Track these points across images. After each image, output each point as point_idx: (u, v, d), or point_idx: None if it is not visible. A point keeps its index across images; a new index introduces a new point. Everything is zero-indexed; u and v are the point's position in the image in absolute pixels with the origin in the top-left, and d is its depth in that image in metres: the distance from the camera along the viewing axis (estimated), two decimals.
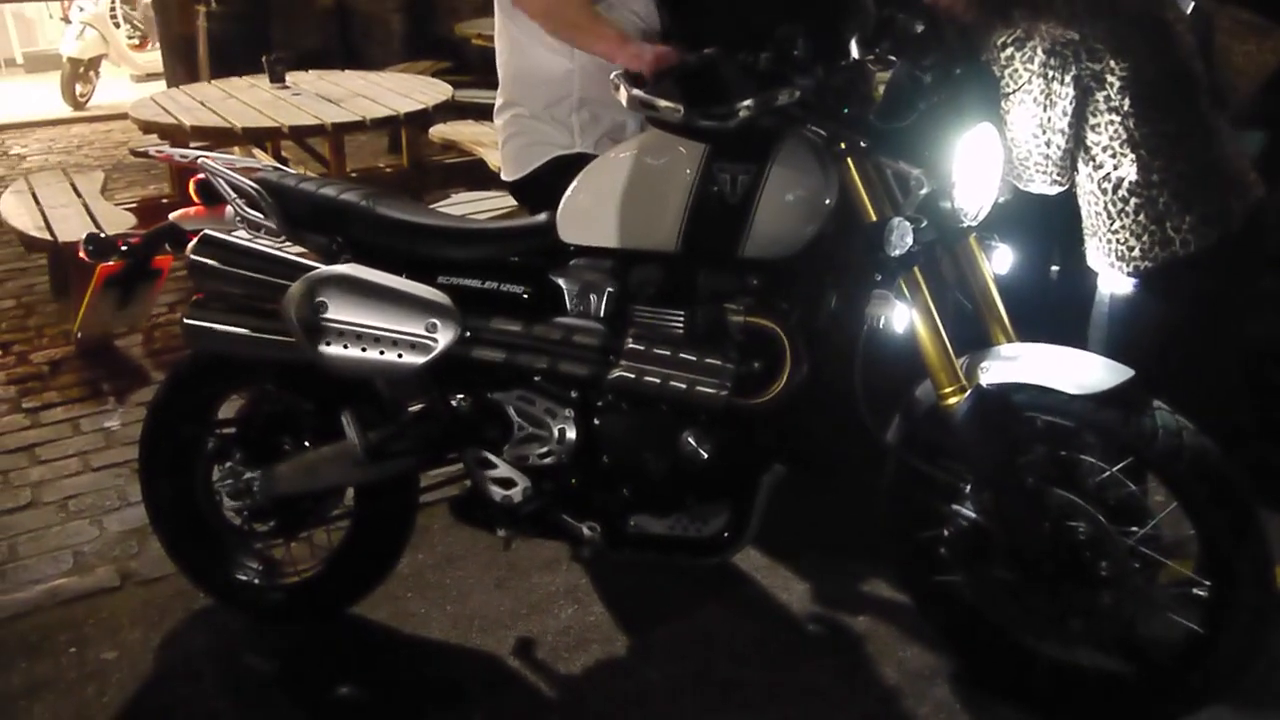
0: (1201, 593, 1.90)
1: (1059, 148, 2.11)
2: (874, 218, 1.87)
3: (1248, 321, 2.35)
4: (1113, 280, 2.19)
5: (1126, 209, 2.09)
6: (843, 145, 1.88)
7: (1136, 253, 2.11)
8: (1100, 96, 2.04)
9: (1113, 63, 2.02)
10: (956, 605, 2.15)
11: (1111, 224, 2.12)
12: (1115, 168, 2.08)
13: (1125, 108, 2.04)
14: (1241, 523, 1.83)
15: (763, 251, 1.94)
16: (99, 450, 3.30)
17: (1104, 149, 2.08)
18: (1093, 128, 2.08)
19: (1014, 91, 2.12)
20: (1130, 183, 2.08)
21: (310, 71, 5.61)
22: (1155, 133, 2.05)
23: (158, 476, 2.48)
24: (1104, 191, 2.11)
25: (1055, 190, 2.19)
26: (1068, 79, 2.05)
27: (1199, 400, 1.91)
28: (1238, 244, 2.12)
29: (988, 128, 1.92)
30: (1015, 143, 2.16)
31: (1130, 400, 1.84)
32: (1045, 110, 2.09)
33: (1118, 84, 2.03)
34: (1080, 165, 2.13)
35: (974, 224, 1.97)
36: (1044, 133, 2.11)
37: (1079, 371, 1.88)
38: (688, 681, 2.25)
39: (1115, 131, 2.06)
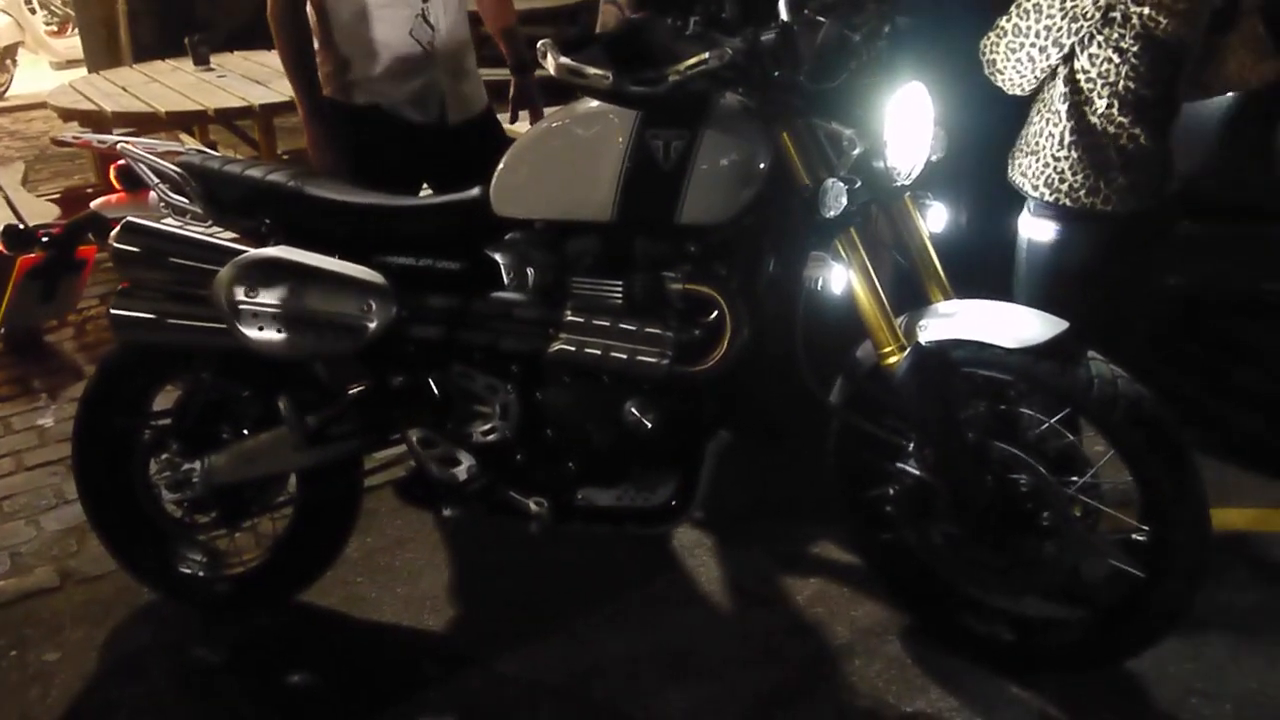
0: (1141, 537, 1.94)
1: (1049, 57, 2.13)
2: (808, 180, 1.86)
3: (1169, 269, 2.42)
4: (1032, 226, 2.23)
5: (1079, 143, 2.14)
6: (775, 108, 1.88)
7: (1065, 187, 2.16)
8: (1116, 32, 2.06)
9: (1148, 10, 2.03)
10: (905, 561, 2.18)
11: (1057, 150, 2.16)
12: (1086, 102, 2.12)
13: (1129, 53, 2.06)
14: (1177, 467, 1.87)
15: (699, 217, 1.92)
16: (32, 449, 3.22)
17: (1088, 79, 2.11)
18: (1090, 55, 2.10)
19: None
20: (1091, 122, 2.12)
21: (235, 53, 5.46)
22: (1136, 89, 2.10)
23: (93, 472, 2.43)
24: (1069, 117, 2.14)
25: (1015, 93, 2.23)
26: (1102, 1, 2.05)
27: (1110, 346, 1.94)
28: (1150, 217, 2.21)
29: (918, 86, 1.93)
30: (1016, 30, 2.15)
31: (1065, 352, 1.87)
32: (1063, 19, 2.08)
33: (1139, 28, 2.04)
34: (1059, 83, 2.16)
35: (908, 183, 1.98)
36: (1048, 35, 2.11)
37: (1015, 326, 1.90)
38: (644, 652, 2.26)
39: (1105, 70, 2.09)
